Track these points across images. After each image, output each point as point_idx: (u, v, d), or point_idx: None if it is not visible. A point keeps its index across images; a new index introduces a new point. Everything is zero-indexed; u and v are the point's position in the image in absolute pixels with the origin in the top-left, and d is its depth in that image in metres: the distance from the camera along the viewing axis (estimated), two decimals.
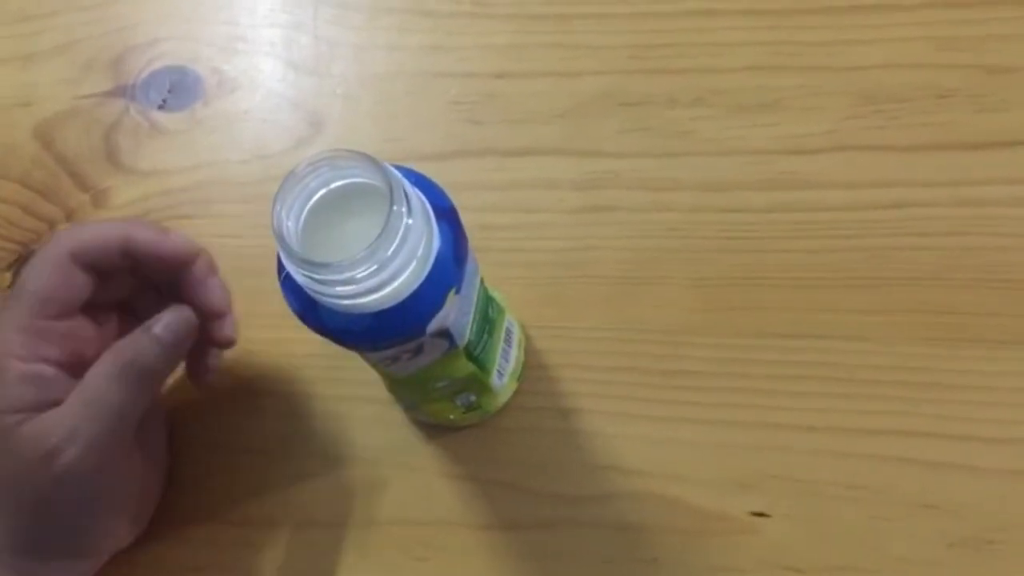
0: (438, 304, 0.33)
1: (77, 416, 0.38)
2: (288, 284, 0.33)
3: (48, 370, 0.39)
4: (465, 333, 0.38)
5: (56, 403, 0.39)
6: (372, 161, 0.31)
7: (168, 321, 0.41)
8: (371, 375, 0.42)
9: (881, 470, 0.44)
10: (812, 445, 0.45)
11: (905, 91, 0.51)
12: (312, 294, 0.32)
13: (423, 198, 0.33)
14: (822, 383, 0.46)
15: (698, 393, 0.46)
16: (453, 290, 0.34)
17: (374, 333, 0.33)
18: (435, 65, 0.56)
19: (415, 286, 0.32)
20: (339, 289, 0.31)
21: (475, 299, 0.38)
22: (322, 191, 0.33)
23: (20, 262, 0.53)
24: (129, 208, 0.54)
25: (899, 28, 0.52)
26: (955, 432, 0.44)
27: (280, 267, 0.33)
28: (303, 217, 0.33)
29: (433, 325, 0.34)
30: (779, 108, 0.51)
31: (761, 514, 0.44)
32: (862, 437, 0.44)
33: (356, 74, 0.56)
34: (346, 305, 0.32)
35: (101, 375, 0.39)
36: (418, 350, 0.36)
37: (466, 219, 0.35)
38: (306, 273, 0.31)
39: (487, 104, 0.54)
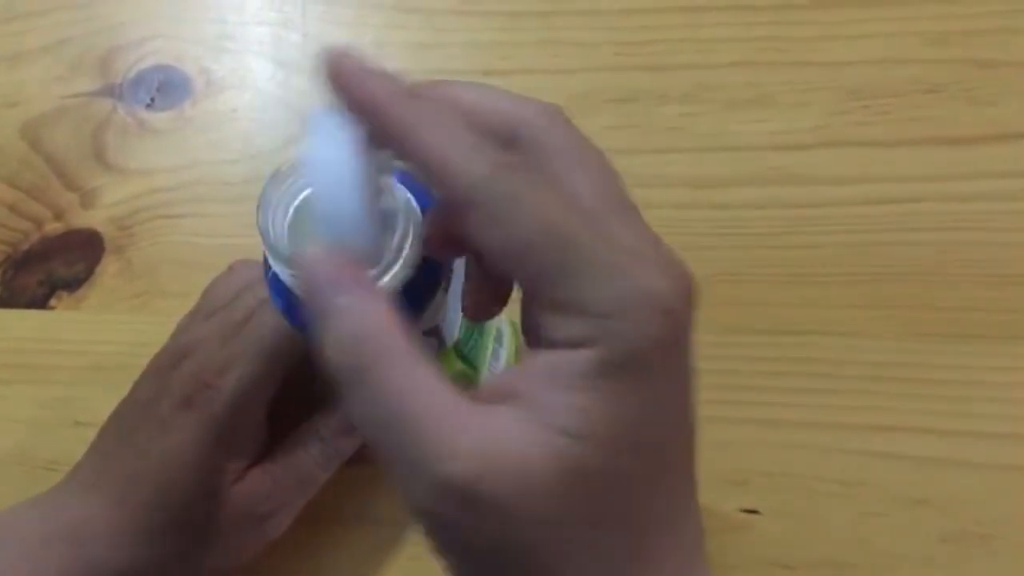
0: (426, 303, 0.33)
1: (291, 492, 0.41)
2: (275, 284, 0.33)
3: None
4: (454, 332, 0.38)
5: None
6: None
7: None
8: None
9: (872, 465, 0.44)
10: (802, 441, 0.45)
11: (895, 86, 0.51)
12: (299, 293, 0.32)
13: (409, 196, 0.33)
14: (812, 379, 0.46)
15: None
16: (441, 288, 0.33)
17: None
18: (423, 62, 0.56)
19: (401, 285, 0.32)
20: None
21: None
22: (308, 190, 0.33)
23: (9, 262, 0.53)
24: (118, 208, 0.54)
25: (888, 23, 0.52)
26: (946, 427, 0.44)
27: (266, 266, 0.33)
28: (289, 216, 0.33)
29: (422, 324, 0.34)
30: (768, 104, 0.51)
31: (752, 511, 0.44)
32: (853, 433, 0.44)
33: None
34: None
35: (310, 461, 0.41)
36: None
37: None
38: (292, 272, 0.31)
39: None
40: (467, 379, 0.42)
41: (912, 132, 0.49)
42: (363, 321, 0.25)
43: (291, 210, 0.33)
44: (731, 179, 0.50)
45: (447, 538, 0.25)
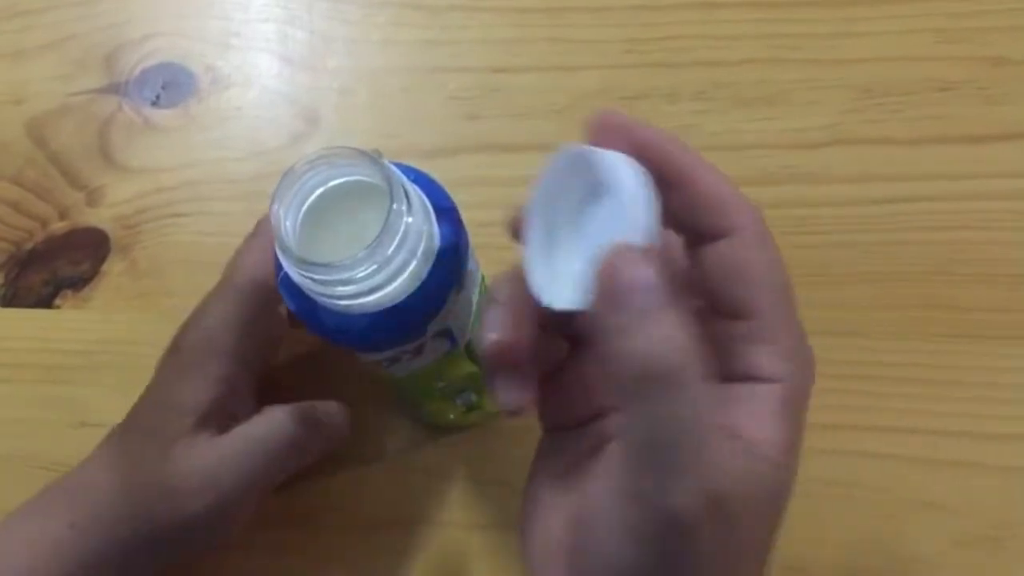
0: (439, 304, 0.33)
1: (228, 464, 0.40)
2: (286, 284, 0.33)
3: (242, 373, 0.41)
4: (466, 332, 0.37)
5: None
6: (371, 159, 0.31)
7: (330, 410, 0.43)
8: (371, 375, 0.42)
9: (884, 468, 0.43)
10: (814, 443, 0.44)
11: (907, 84, 0.50)
12: (310, 294, 0.32)
13: (423, 196, 0.32)
14: (823, 379, 0.45)
15: None
16: (454, 290, 0.33)
17: (373, 334, 0.32)
18: (431, 60, 0.55)
19: (415, 286, 0.32)
20: (338, 289, 0.30)
21: (476, 298, 0.37)
22: (320, 189, 0.32)
23: (13, 261, 0.53)
24: (123, 206, 0.53)
25: (900, 20, 0.52)
26: (958, 429, 0.44)
27: (278, 267, 0.33)
28: (301, 216, 0.32)
29: (434, 325, 0.33)
30: (780, 102, 0.51)
31: None
32: (864, 434, 0.44)
33: (352, 69, 0.56)
34: (345, 305, 0.31)
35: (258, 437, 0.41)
36: (418, 351, 0.35)
37: (464, 216, 0.34)
38: (304, 273, 0.30)
39: (485, 99, 0.54)
40: (478, 379, 0.41)
41: (925, 130, 0.49)
42: (679, 328, 0.25)
43: (303, 210, 0.32)
44: (742, 177, 0.48)
45: (678, 541, 0.26)
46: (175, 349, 0.42)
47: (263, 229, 0.43)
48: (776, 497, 0.29)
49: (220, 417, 0.40)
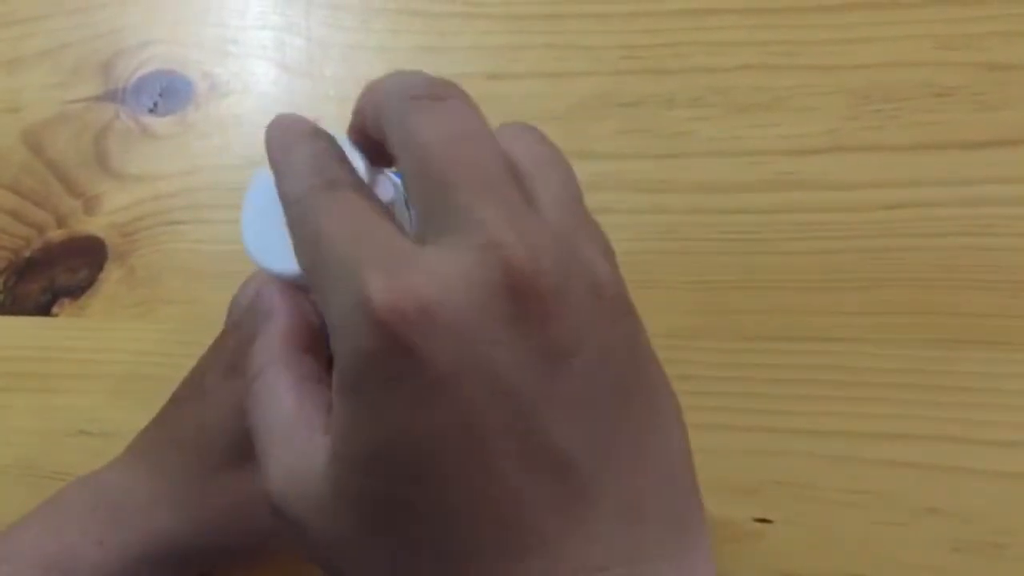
0: None
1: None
2: None
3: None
4: None
5: None
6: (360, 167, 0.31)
7: None
8: None
9: (884, 474, 0.43)
10: (814, 449, 0.44)
11: (904, 90, 0.50)
12: None
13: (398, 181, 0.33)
14: (823, 386, 0.45)
15: (698, 397, 0.46)
16: None
17: None
18: (428, 66, 0.55)
19: None
20: None
21: None
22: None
23: (11, 269, 0.53)
24: (120, 214, 0.53)
25: (898, 26, 0.51)
26: (959, 435, 0.44)
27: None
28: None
29: None
30: (778, 108, 0.51)
31: (763, 520, 0.43)
32: (865, 441, 0.44)
33: (349, 76, 0.56)
34: None
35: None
36: None
37: None
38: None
39: (482, 106, 0.53)
40: None
41: (923, 136, 0.49)
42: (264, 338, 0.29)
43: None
44: (740, 184, 0.49)
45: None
46: (232, 372, 0.39)
47: None
48: (342, 494, 0.24)
49: None
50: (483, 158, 0.25)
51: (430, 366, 0.22)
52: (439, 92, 0.26)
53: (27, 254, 0.53)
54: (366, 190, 0.27)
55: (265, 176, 0.30)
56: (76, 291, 0.52)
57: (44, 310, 0.52)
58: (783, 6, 0.53)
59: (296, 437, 0.26)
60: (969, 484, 0.43)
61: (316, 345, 0.29)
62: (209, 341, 0.42)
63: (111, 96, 0.57)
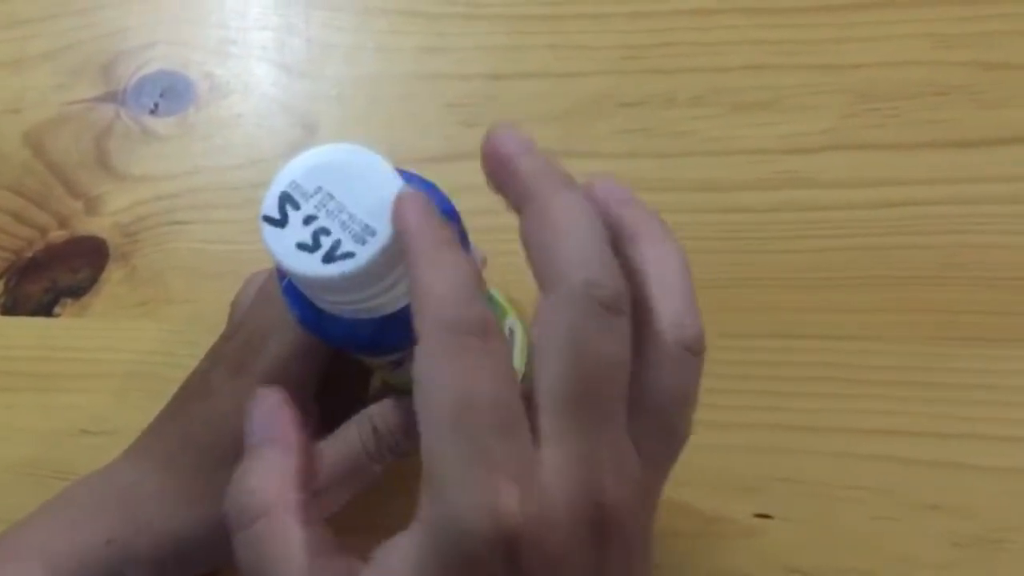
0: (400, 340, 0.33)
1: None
2: (290, 291, 0.33)
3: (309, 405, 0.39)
4: None
5: None
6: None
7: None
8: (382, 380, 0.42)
9: (884, 470, 0.44)
10: (815, 446, 0.44)
11: (903, 89, 0.50)
12: (315, 301, 0.32)
13: None
14: (823, 383, 0.46)
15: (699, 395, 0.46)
16: None
17: (379, 339, 0.32)
18: (429, 67, 0.56)
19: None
20: (344, 297, 0.30)
21: None
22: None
23: (13, 270, 0.53)
24: (122, 215, 0.54)
25: (897, 26, 0.52)
26: (959, 431, 0.44)
27: (281, 274, 0.33)
28: None
29: None
30: (778, 107, 0.51)
31: (764, 516, 0.43)
32: (865, 437, 0.44)
33: (349, 76, 0.56)
34: (351, 311, 0.31)
35: (358, 447, 0.38)
36: None
37: (465, 222, 0.34)
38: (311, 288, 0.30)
39: (482, 106, 0.54)
40: None
41: (922, 135, 0.49)
42: (268, 473, 0.29)
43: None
44: (741, 183, 0.50)
45: None
46: (240, 368, 0.39)
47: None
48: None
49: None
50: (616, 396, 0.26)
51: None
52: (620, 306, 0.26)
53: (29, 255, 0.53)
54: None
55: (299, 169, 0.30)
56: (78, 291, 0.52)
57: (46, 310, 0.52)
58: (783, 6, 0.53)
59: None
60: (968, 480, 0.43)
61: (314, 481, 0.30)
62: (211, 340, 0.42)
63: (112, 97, 0.57)
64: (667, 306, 0.28)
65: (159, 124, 0.56)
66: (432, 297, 0.26)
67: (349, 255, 0.29)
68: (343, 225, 0.29)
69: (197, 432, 0.39)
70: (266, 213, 0.30)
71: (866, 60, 0.51)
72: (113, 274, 0.52)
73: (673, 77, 0.52)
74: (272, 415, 0.30)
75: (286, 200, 0.30)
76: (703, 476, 0.44)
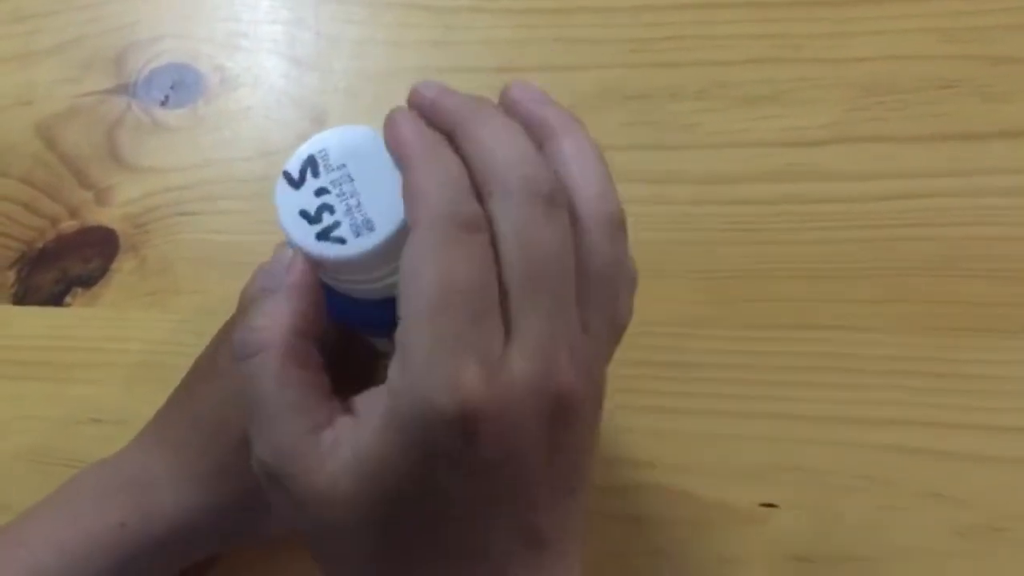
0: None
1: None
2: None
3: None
4: None
5: None
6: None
7: None
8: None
9: (888, 460, 0.44)
10: (819, 435, 0.45)
11: (908, 82, 0.51)
12: (332, 284, 0.32)
13: None
14: (828, 374, 0.46)
15: (704, 385, 0.46)
16: None
17: (370, 318, 0.32)
18: (437, 60, 0.56)
19: None
20: (334, 274, 0.31)
21: None
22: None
23: (24, 260, 0.53)
24: (132, 206, 0.54)
25: (902, 20, 0.52)
26: (963, 421, 0.44)
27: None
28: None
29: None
30: (783, 100, 0.51)
31: (769, 504, 0.44)
32: (869, 427, 0.45)
33: (358, 69, 0.56)
34: (341, 287, 0.31)
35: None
36: None
37: None
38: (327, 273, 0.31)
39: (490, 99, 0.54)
40: None
41: (926, 128, 0.50)
42: (274, 314, 0.30)
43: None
44: (745, 176, 0.50)
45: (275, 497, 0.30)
46: None
47: None
48: (366, 494, 0.28)
49: None
50: (566, 279, 0.28)
51: (482, 454, 0.27)
52: (558, 199, 0.28)
53: (40, 245, 0.54)
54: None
55: (335, 140, 0.31)
56: (89, 281, 0.53)
57: (57, 300, 0.52)
58: (787, 0, 0.53)
59: (299, 436, 0.29)
60: (970, 469, 0.43)
61: (316, 330, 0.31)
62: None
63: (123, 89, 0.58)
64: (589, 189, 0.29)
65: (169, 116, 0.57)
66: (424, 194, 0.27)
67: (340, 241, 0.29)
68: (348, 210, 0.30)
69: (203, 414, 0.40)
70: (287, 169, 0.31)
71: (870, 54, 0.52)
72: (123, 264, 0.53)
73: (678, 71, 0.53)
74: (287, 265, 0.31)
75: (310, 164, 0.31)
76: (707, 465, 0.45)
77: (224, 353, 0.40)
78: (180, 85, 0.57)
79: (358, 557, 0.29)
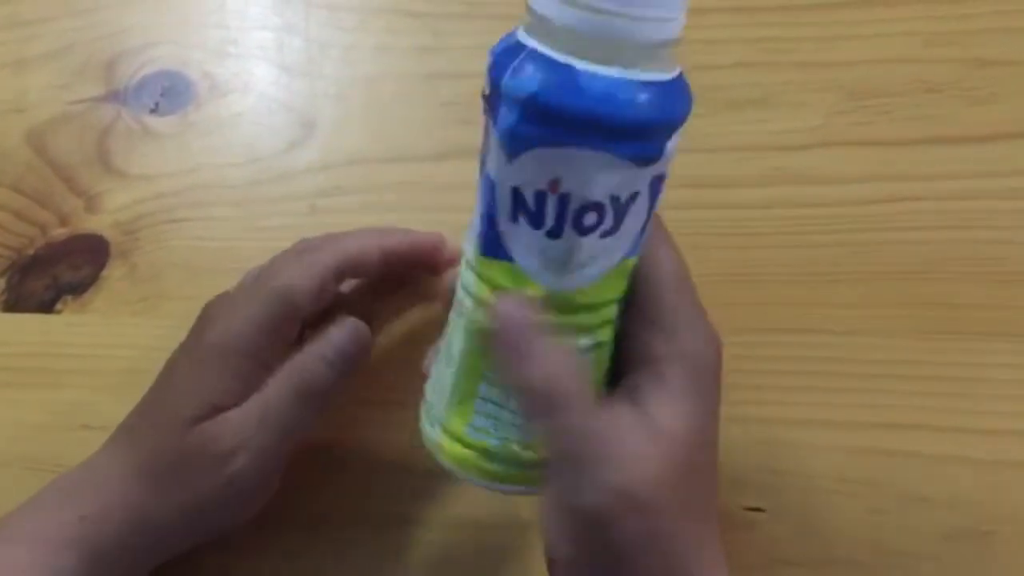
0: (685, 111, 0.33)
1: (253, 428, 0.40)
2: (526, 64, 0.32)
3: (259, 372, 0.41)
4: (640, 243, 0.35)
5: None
6: None
7: (337, 343, 0.42)
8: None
9: (875, 463, 0.44)
10: (806, 439, 0.45)
11: (894, 86, 0.51)
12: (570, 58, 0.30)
13: None
14: (815, 377, 0.46)
15: None
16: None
17: (643, 109, 0.31)
18: (426, 66, 0.56)
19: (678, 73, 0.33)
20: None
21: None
22: None
23: (15, 267, 0.53)
24: (123, 212, 0.54)
25: (886, 23, 0.52)
26: (949, 424, 0.44)
27: (505, 62, 0.32)
28: None
29: (674, 141, 0.33)
30: (769, 104, 0.51)
31: (755, 509, 0.44)
32: (856, 430, 0.45)
33: (347, 76, 0.57)
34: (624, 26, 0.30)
35: (278, 394, 0.41)
36: (628, 203, 0.33)
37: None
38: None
39: (479, 105, 0.54)
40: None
41: (912, 131, 0.50)
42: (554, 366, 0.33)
43: None
44: (733, 179, 0.50)
45: (600, 533, 0.31)
46: (196, 343, 0.42)
47: (303, 247, 0.43)
48: (691, 471, 0.32)
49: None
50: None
51: (629, 545, 0.31)
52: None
53: (31, 252, 0.54)
54: None
55: None
56: (79, 288, 0.53)
57: (47, 307, 0.53)
58: (774, 4, 0.54)
59: (634, 432, 0.33)
60: (958, 472, 0.44)
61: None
62: None
63: (113, 97, 0.58)
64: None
65: (160, 123, 0.57)
66: None
67: None
68: None
69: (154, 409, 0.42)
70: None
71: (857, 57, 0.52)
72: (113, 271, 0.53)
73: None
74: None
75: None
76: None
77: (178, 351, 0.43)
78: (170, 92, 0.58)
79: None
